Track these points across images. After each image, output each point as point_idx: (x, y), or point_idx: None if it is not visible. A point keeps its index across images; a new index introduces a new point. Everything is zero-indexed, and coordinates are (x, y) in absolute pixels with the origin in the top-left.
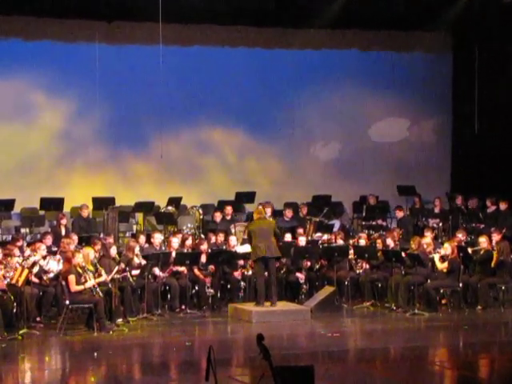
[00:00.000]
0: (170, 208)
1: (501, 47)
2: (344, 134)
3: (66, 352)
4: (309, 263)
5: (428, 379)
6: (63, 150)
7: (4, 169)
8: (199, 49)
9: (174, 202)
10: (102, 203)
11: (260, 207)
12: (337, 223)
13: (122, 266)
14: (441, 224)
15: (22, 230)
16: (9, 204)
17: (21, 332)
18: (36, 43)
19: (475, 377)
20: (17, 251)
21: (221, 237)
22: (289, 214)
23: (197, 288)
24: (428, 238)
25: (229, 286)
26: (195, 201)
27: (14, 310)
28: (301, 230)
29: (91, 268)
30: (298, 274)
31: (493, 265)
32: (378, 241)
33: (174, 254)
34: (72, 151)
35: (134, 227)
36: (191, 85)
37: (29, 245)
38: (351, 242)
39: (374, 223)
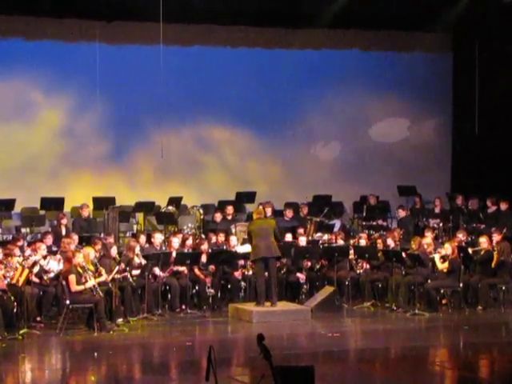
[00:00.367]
0: (170, 208)
1: (501, 47)
2: (344, 134)
3: (66, 352)
4: (309, 263)
5: (428, 379)
6: (64, 150)
7: (4, 168)
8: (199, 49)
9: (175, 201)
10: (102, 203)
11: (260, 207)
12: (337, 223)
13: (123, 265)
14: (441, 224)
15: (23, 230)
16: (9, 204)
17: (21, 332)
18: (36, 43)
19: (475, 377)
20: (17, 251)
21: (221, 237)
22: (289, 213)
23: (197, 288)
24: (428, 238)
25: (229, 286)
26: (196, 201)
27: (15, 310)
28: (301, 230)
29: (91, 268)
30: (299, 274)
31: (493, 265)
32: (379, 241)
33: (174, 254)
34: (72, 151)
35: (135, 227)
36: (191, 85)
37: (29, 244)
38: (352, 242)
39: (374, 223)
